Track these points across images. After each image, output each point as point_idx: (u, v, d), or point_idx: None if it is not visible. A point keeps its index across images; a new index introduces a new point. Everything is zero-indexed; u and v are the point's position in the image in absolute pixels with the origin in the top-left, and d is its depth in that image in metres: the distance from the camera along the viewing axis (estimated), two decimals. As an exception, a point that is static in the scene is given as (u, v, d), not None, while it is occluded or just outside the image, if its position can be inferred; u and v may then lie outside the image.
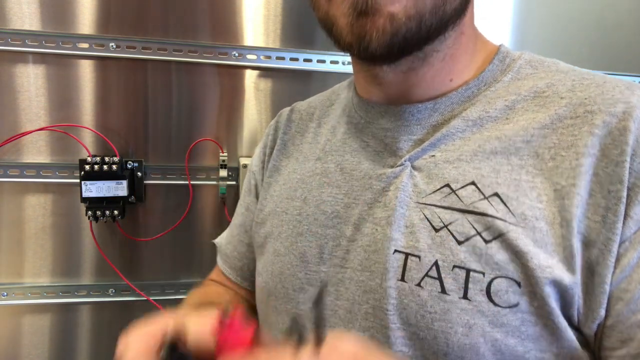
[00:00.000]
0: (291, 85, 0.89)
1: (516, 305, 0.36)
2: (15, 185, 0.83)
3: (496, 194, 0.38)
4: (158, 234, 0.88)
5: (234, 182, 0.90)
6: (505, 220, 0.37)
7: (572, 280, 0.36)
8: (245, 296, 0.62)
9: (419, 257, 0.39)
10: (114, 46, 0.81)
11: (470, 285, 0.37)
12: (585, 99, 0.39)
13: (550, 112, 0.40)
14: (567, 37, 0.96)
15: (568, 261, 0.36)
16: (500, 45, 0.47)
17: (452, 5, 0.40)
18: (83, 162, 0.80)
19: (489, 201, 0.38)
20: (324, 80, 0.90)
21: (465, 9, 0.42)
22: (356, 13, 0.38)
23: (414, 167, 0.43)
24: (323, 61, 0.88)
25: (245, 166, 0.86)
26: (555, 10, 0.95)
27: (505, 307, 0.36)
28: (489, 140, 0.41)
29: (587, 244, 0.36)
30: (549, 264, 0.36)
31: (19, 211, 0.84)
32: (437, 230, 0.39)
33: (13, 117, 0.81)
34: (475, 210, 0.39)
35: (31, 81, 0.80)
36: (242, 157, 0.90)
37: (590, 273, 0.36)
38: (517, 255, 0.36)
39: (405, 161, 0.43)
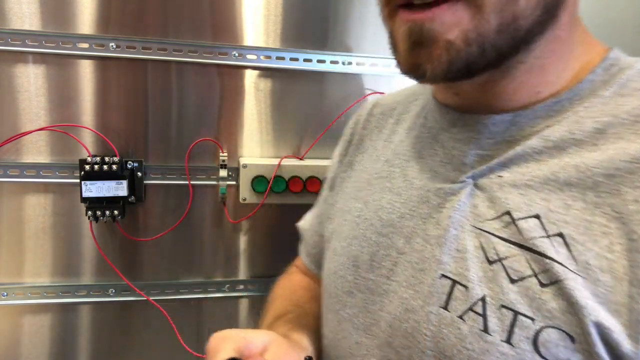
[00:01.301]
0: (291, 85, 0.89)
1: None
2: (15, 185, 0.83)
3: (560, 234, 0.34)
4: (158, 234, 0.88)
5: (234, 182, 0.90)
6: (565, 266, 0.33)
7: (634, 349, 0.31)
8: None
9: (466, 287, 0.36)
10: (114, 46, 0.81)
11: (516, 330, 0.33)
12: None
13: None
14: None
15: (632, 327, 0.31)
16: (609, 49, 0.40)
17: (529, 18, 0.34)
18: (83, 162, 0.80)
19: (551, 241, 0.34)
20: (324, 80, 0.90)
21: (556, 14, 0.36)
22: (411, 42, 0.36)
23: (476, 186, 0.39)
24: (323, 61, 0.88)
25: (245, 166, 0.86)
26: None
27: None
28: (566, 168, 0.35)
29: None
30: (608, 325, 0.31)
31: (19, 211, 0.84)
32: (490, 263, 0.36)
33: (13, 117, 0.81)
34: (534, 248, 0.34)
35: (31, 81, 0.80)
36: (242, 157, 0.89)
37: None
38: (574, 307, 0.32)
39: (467, 178, 0.40)
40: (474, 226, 0.38)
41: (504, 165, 0.38)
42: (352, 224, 0.48)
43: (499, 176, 0.38)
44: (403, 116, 0.53)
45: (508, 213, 0.36)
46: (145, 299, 0.90)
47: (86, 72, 0.82)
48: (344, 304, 0.46)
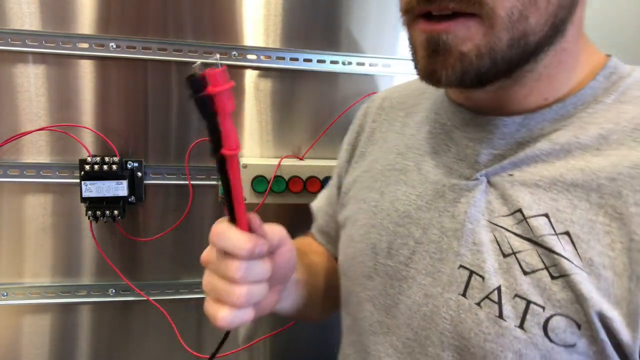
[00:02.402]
0: (291, 85, 0.89)
1: (573, 345, 0.36)
2: (15, 185, 0.83)
3: (567, 233, 0.37)
4: (158, 234, 0.88)
5: (234, 182, 0.89)
6: (571, 262, 0.36)
7: (632, 337, 0.34)
8: (331, 259, 0.67)
9: (483, 277, 0.39)
10: (114, 46, 0.81)
11: (528, 317, 0.37)
12: None
13: None
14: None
15: (631, 317, 0.34)
16: (609, 57, 0.43)
17: (538, 34, 0.37)
18: (83, 162, 0.80)
19: (558, 238, 0.37)
20: (324, 80, 0.89)
21: (563, 29, 0.39)
22: (429, 50, 0.38)
23: (490, 183, 0.42)
24: (323, 61, 0.88)
25: (245, 166, 0.86)
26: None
27: (561, 345, 0.36)
28: (572, 170, 0.38)
29: None
30: (610, 315, 0.34)
31: (19, 211, 0.84)
32: (505, 256, 0.39)
33: (13, 117, 0.81)
34: (544, 244, 0.38)
35: (31, 81, 0.80)
36: (242, 157, 0.89)
37: None
38: (579, 299, 0.35)
39: (481, 175, 0.43)
40: (489, 221, 0.41)
41: (515, 165, 0.41)
42: (368, 213, 0.51)
43: (510, 175, 0.41)
44: (413, 109, 0.55)
45: (520, 211, 0.39)
46: (145, 299, 0.90)
47: (86, 72, 0.82)
48: (364, 286, 0.49)
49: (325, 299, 0.62)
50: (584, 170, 0.38)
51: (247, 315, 0.40)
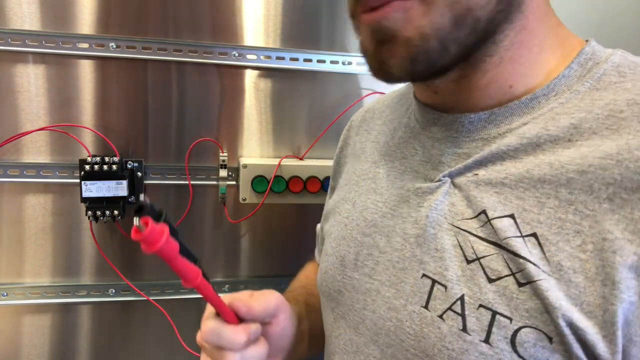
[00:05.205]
0: (291, 85, 0.89)
1: None
2: (15, 185, 0.83)
3: (534, 235, 0.33)
4: (158, 234, 0.88)
5: (234, 182, 0.89)
6: (538, 267, 0.32)
7: (610, 351, 0.30)
8: None
9: (445, 286, 0.36)
10: (114, 46, 0.81)
11: (494, 330, 0.33)
12: None
13: (622, 140, 0.32)
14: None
15: (607, 328, 0.30)
16: (587, 42, 0.38)
17: (486, 8, 0.33)
18: (83, 162, 0.80)
19: (524, 241, 0.33)
20: (324, 80, 0.90)
21: (518, 3, 0.35)
22: (375, 41, 0.36)
23: (454, 184, 0.39)
24: (323, 61, 0.88)
25: (245, 166, 0.86)
26: (554, 10, 0.95)
27: None
28: (540, 166, 0.35)
29: None
30: (582, 326, 0.30)
31: (19, 211, 0.84)
32: (468, 262, 0.36)
33: (13, 117, 0.81)
34: (509, 247, 0.34)
35: (31, 81, 0.80)
36: (242, 157, 0.89)
37: None
38: (548, 308, 0.31)
39: (444, 177, 0.40)
40: (452, 224, 0.38)
41: (481, 163, 0.38)
42: (341, 224, 0.50)
43: (475, 174, 0.38)
44: (389, 117, 0.53)
45: (484, 212, 0.36)
46: (145, 299, 0.90)
47: (86, 72, 0.82)
48: (337, 302, 0.47)
49: None
50: (553, 165, 0.34)
51: None
